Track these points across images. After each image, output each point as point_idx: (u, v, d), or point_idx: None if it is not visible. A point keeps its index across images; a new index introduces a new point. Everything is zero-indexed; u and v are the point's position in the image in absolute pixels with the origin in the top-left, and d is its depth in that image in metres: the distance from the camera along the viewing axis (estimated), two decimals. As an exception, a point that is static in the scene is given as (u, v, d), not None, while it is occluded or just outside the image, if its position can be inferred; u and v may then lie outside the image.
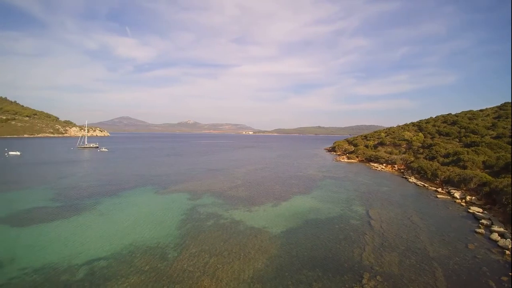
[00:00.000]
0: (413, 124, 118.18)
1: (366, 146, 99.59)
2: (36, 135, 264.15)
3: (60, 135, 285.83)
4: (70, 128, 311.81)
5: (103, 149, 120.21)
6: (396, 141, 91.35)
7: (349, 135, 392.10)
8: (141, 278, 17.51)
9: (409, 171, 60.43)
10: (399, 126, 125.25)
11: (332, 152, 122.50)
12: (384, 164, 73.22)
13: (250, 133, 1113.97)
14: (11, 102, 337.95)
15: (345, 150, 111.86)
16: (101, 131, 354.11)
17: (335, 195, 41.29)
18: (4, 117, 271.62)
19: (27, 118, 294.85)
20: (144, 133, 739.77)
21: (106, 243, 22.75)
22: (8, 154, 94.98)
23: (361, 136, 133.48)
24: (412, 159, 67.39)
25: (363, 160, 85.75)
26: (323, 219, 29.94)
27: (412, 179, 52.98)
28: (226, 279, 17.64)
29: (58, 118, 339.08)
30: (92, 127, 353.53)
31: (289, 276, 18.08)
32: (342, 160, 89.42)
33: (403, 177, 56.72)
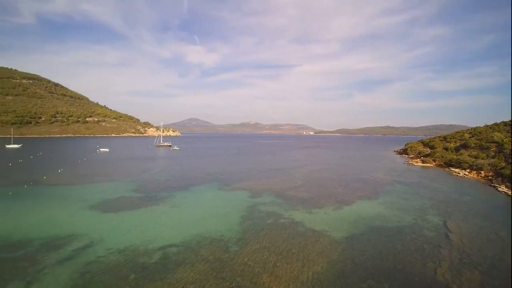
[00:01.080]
0: (504, 123, 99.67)
1: (446, 149, 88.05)
2: (121, 135, 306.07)
3: (140, 135, 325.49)
4: (149, 128, 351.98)
5: (175, 148, 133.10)
6: (483, 143, 78.46)
7: (424, 135, 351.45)
8: (207, 267, 18.83)
9: (499, 178, 51.32)
10: (487, 126, 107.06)
11: (404, 155, 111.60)
12: (468, 170, 63.69)
13: (311, 133, 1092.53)
14: (102, 106, 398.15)
15: (419, 153, 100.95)
16: (174, 131, 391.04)
17: (406, 202, 37.62)
18: (97, 119, 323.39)
19: (114, 120, 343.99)
20: (210, 133, 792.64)
21: (177, 232, 25.12)
22: (99, 150, 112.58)
23: (439, 137, 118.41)
24: (503, 164, 57.05)
25: (441, 165, 76.14)
26: (392, 227, 27.61)
27: (502, 188, 44.96)
28: (285, 278, 17.73)
29: (139, 120, 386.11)
30: (166, 127, 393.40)
31: (352, 284, 17.20)
32: (416, 164, 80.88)
33: (490, 186, 48.52)
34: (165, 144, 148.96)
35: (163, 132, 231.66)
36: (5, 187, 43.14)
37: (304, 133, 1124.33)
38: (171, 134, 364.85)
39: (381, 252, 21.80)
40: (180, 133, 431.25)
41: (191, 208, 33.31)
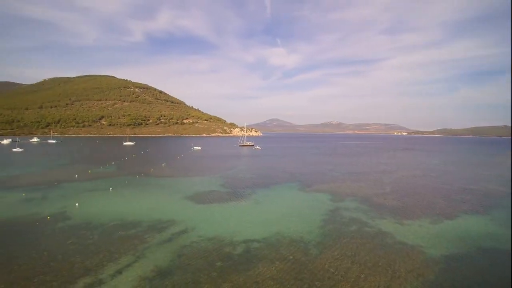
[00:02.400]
0: None
1: None
2: (211, 135, 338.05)
3: (226, 135, 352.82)
4: (234, 129, 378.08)
5: (257, 147, 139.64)
6: None
7: None
8: (286, 266, 19.09)
9: None
10: None
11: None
12: None
13: (403, 133, 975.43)
14: (195, 109, 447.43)
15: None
16: (256, 132, 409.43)
17: (534, 222, 29.92)
18: (191, 121, 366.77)
19: (205, 121, 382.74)
20: (290, 133, 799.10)
21: (259, 228, 26.28)
22: (193, 148, 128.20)
23: None
24: None
25: None
26: (506, 250, 22.42)
27: None
28: (370, 291, 16.48)
29: (225, 121, 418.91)
30: (249, 128, 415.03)
31: (454, 311, 14.74)
32: (550, 176, 63.24)
33: None
34: (248, 144, 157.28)
35: (246, 132, 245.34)
36: (123, 176, 53.30)
37: (395, 133, 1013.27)
38: (253, 134, 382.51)
39: (491, 279, 17.99)
40: (262, 133, 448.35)
41: (272, 206, 34.32)
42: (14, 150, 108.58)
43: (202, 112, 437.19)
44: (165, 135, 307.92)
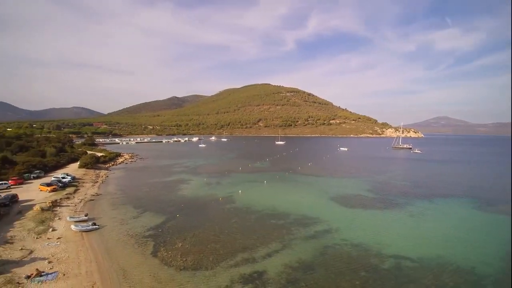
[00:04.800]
0: None
1: None
2: (359, 135, 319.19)
3: (377, 136, 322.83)
4: (386, 129, 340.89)
5: (416, 151, 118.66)
6: None
7: None
8: (451, 298, 15.57)
9: None
10: None
11: None
12: None
13: None
14: (343, 109, 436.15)
15: None
16: (415, 132, 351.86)
17: None
18: (338, 121, 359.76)
19: (353, 121, 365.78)
20: (465, 135, 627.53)
21: (413, 245, 22.66)
22: (340, 149, 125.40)
23: None
24: None
25: None
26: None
27: None
28: None
29: (376, 121, 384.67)
30: (406, 128, 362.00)
31: None
32: None
33: None
34: (405, 146, 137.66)
35: (402, 133, 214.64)
36: (275, 171, 59.45)
37: None
38: (412, 135, 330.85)
39: None
40: (423, 134, 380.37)
41: (433, 222, 28.67)
42: (200, 145, 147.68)
43: (350, 112, 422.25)
44: (312, 135, 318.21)
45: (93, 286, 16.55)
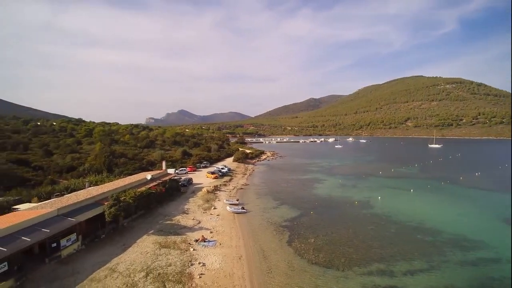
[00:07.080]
0: None
1: None
2: None
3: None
4: None
5: None
6: None
7: None
8: None
9: None
10: None
11: None
12: None
13: None
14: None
15: None
16: None
17: None
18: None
19: None
20: None
21: None
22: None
23: None
24: None
25: None
26: None
27: None
28: None
29: None
30: None
31: None
32: None
33: None
34: None
35: None
36: (425, 180, 50.36)
37: None
38: None
39: None
40: None
41: None
42: (336, 146, 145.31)
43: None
44: (483, 137, 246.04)
45: (240, 258, 19.90)
